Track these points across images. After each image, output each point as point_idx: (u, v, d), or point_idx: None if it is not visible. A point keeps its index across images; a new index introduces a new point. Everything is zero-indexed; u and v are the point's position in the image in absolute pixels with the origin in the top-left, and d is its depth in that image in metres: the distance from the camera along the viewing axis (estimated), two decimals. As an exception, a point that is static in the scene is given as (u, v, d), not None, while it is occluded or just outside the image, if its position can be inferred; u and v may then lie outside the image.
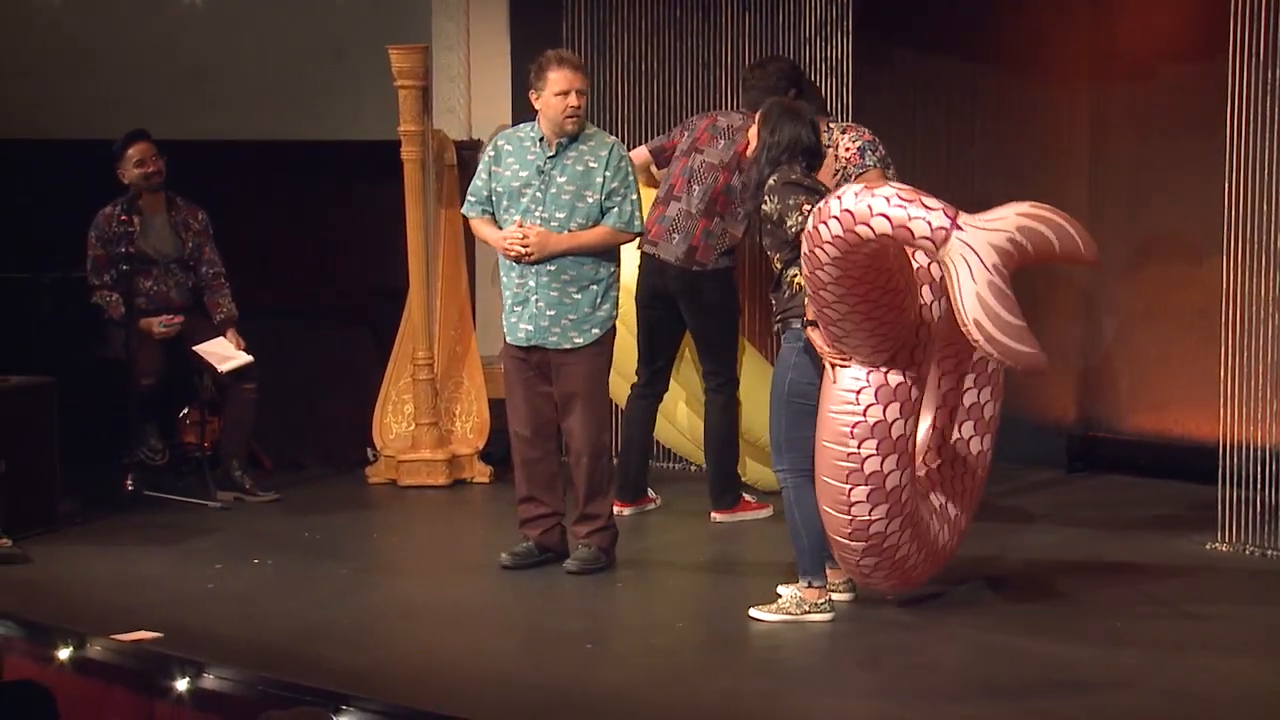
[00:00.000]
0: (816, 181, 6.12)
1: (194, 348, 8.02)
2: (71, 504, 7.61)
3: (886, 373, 5.81)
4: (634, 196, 6.73)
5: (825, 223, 5.53)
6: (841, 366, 5.81)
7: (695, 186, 7.48)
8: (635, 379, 7.71)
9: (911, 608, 6.14)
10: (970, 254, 5.35)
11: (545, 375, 6.74)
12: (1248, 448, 6.94)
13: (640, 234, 6.87)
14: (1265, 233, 6.84)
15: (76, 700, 5.66)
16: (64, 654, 5.76)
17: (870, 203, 5.44)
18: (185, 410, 8.34)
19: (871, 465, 5.79)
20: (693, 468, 8.68)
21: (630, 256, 7.38)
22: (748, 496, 7.74)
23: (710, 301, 7.52)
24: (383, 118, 8.53)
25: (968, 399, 6.28)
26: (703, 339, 7.60)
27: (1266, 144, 6.79)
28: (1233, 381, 6.94)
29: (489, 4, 9.26)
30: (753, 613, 6.11)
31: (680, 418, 8.10)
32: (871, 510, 5.82)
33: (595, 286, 6.70)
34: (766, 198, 6.07)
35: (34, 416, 7.38)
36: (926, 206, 5.41)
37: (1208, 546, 7.06)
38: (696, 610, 6.54)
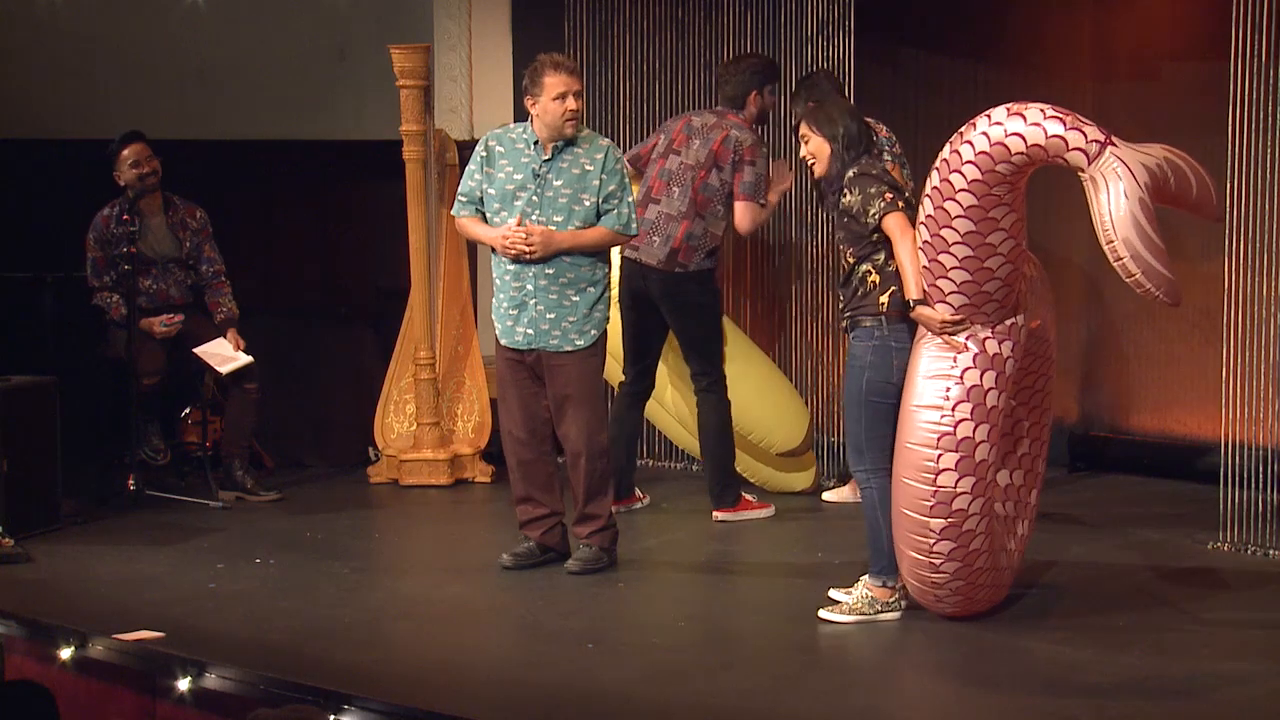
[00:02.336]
0: (894, 177, 6.07)
1: (194, 350, 8.02)
2: (73, 503, 7.61)
3: (985, 339, 5.76)
4: (630, 199, 6.73)
5: (969, 141, 5.49)
6: (952, 345, 5.75)
7: (674, 188, 7.47)
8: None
9: (914, 609, 6.13)
10: (1125, 170, 5.31)
11: (539, 376, 6.73)
12: (1250, 448, 6.94)
13: (635, 235, 6.88)
14: (1268, 233, 6.84)
15: (78, 700, 5.68)
16: (66, 653, 5.76)
17: (1024, 113, 5.44)
18: (187, 410, 8.36)
19: (964, 430, 5.69)
20: (694, 466, 8.69)
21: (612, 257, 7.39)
22: (748, 495, 7.74)
23: (692, 302, 7.51)
24: (385, 117, 8.53)
25: (1019, 447, 6.21)
26: (686, 341, 7.59)
27: (1269, 144, 6.79)
28: (1235, 381, 6.94)
29: (491, 3, 9.25)
30: (822, 614, 6.08)
31: (668, 400, 8.07)
32: (958, 481, 5.71)
33: (593, 289, 6.70)
34: (846, 189, 6.00)
35: (36, 416, 7.38)
36: (1081, 120, 5.40)
37: (1210, 546, 7.05)
38: (698, 610, 6.53)
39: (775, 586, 6.64)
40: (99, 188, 8.11)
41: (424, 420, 8.47)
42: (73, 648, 5.77)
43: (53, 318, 7.94)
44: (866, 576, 6.12)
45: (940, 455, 5.72)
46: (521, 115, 6.86)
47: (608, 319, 6.78)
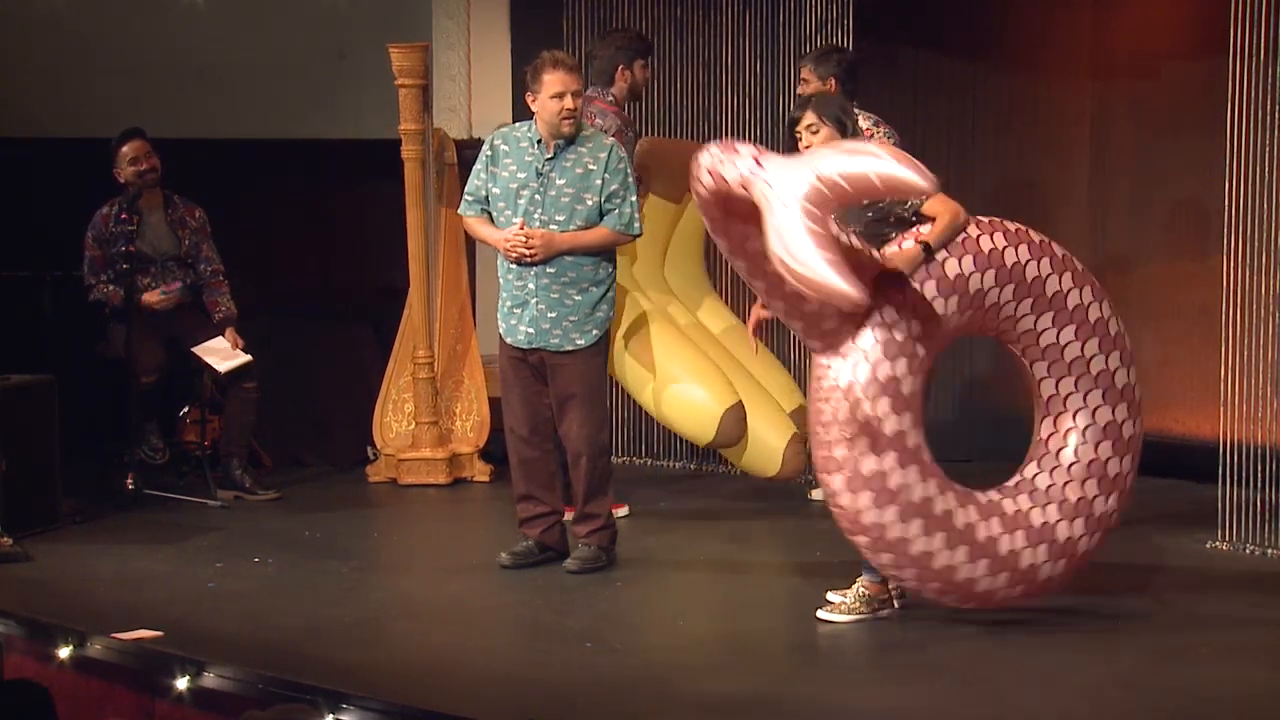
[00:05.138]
0: None
1: (193, 349, 8.02)
2: (72, 502, 7.61)
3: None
4: (633, 198, 6.73)
5: (699, 181, 5.61)
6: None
7: None
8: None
9: (914, 607, 6.13)
10: (770, 192, 5.39)
11: (542, 375, 6.74)
12: (1248, 447, 6.94)
13: (639, 236, 6.87)
14: (1266, 231, 6.84)
15: (77, 699, 5.67)
16: (65, 652, 5.76)
17: (703, 161, 5.55)
18: (185, 409, 8.35)
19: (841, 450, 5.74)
20: (692, 465, 8.70)
21: None
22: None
23: None
24: (384, 117, 8.53)
25: (1082, 404, 6.03)
26: None
27: (1267, 143, 6.79)
28: (1233, 380, 6.94)
29: (490, 3, 9.25)
30: (820, 615, 6.08)
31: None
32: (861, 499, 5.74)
33: (595, 289, 6.71)
34: None
35: (35, 415, 7.38)
36: (735, 152, 5.50)
37: (1208, 545, 7.05)
38: (696, 609, 6.54)
39: (774, 586, 6.64)
40: (98, 187, 8.11)
41: (423, 419, 8.47)
42: (71, 647, 5.77)
43: (52, 317, 7.93)
44: (863, 575, 6.11)
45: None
46: (520, 114, 6.88)
47: (610, 319, 6.78)
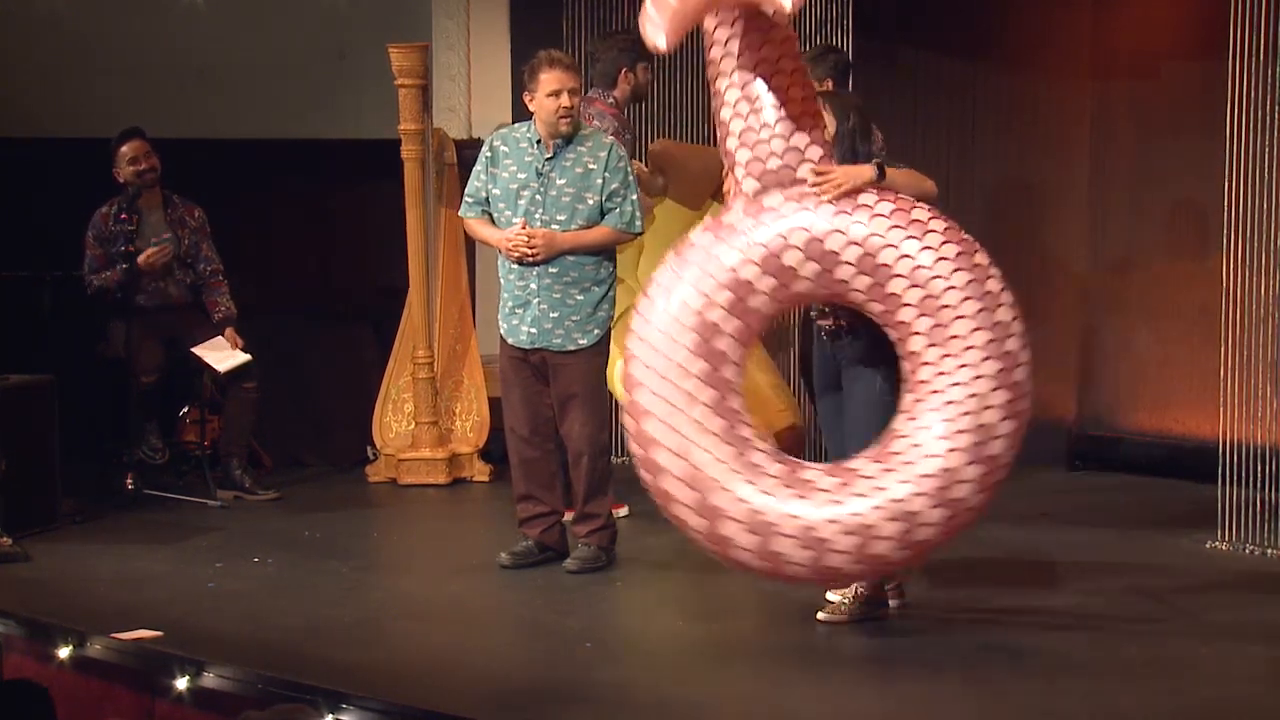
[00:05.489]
0: None
1: (193, 349, 8.02)
2: (72, 502, 7.61)
3: None
4: (634, 197, 6.73)
5: None
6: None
7: None
8: None
9: (911, 607, 6.14)
10: None
11: (543, 375, 6.74)
12: (1248, 446, 6.94)
13: (640, 234, 6.87)
14: (1265, 231, 6.84)
15: (76, 699, 5.68)
16: (64, 652, 5.76)
17: None
18: (185, 409, 8.35)
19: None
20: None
21: None
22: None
23: None
24: (384, 117, 8.53)
25: (927, 374, 5.52)
26: None
27: (1267, 143, 6.79)
28: (1233, 380, 6.94)
29: (489, 3, 9.26)
30: (820, 615, 6.07)
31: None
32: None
33: (597, 288, 6.71)
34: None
35: (34, 415, 7.39)
36: None
37: (1207, 545, 7.05)
38: (696, 609, 6.53)
39: (773, 586, 6.63)
40: (98, 187, 8.11)
41: (422, 419, 8.48)
42: (71, 647, 5.77)
43: (52, 317, 7.93)
44: None
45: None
46: (520, 114, 6.87)
47: (612, 318, 6.79)
